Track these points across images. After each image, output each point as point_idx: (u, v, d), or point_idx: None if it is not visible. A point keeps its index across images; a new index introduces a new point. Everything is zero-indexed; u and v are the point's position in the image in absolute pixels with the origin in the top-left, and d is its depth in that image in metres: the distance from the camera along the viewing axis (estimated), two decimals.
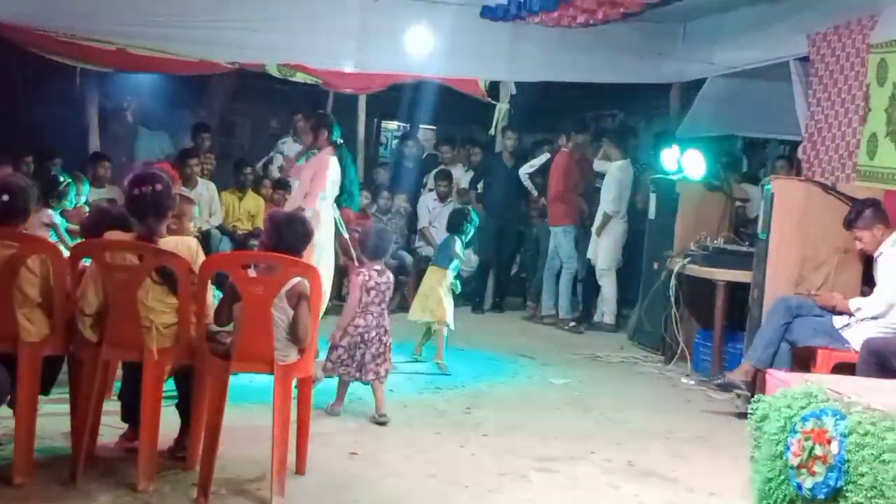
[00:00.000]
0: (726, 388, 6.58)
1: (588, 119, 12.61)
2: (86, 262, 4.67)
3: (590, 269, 9.84)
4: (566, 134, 10.21)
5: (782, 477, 3.44)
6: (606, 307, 9.76)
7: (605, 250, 9.66)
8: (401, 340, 7.89)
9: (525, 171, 10.33)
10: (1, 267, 4.43)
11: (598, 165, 9.85)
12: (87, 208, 7.98)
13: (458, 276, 7.83)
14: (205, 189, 9.53)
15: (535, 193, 10.34)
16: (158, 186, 4.61)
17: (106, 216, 5.04)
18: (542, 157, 10.30)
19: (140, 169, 5.20)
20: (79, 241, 5.84)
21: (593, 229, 9.72)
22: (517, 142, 10.78)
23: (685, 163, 8.45)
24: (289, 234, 4.69)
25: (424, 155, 12.11)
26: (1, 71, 10.02)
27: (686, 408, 6.80)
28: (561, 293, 9.87)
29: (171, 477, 4.58)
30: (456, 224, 7.91)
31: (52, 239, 6.45)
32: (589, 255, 9.80)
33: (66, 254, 4.70)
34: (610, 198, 9.53)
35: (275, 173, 10.76)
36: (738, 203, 8.79)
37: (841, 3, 7.33)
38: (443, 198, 10.71)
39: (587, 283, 10.01)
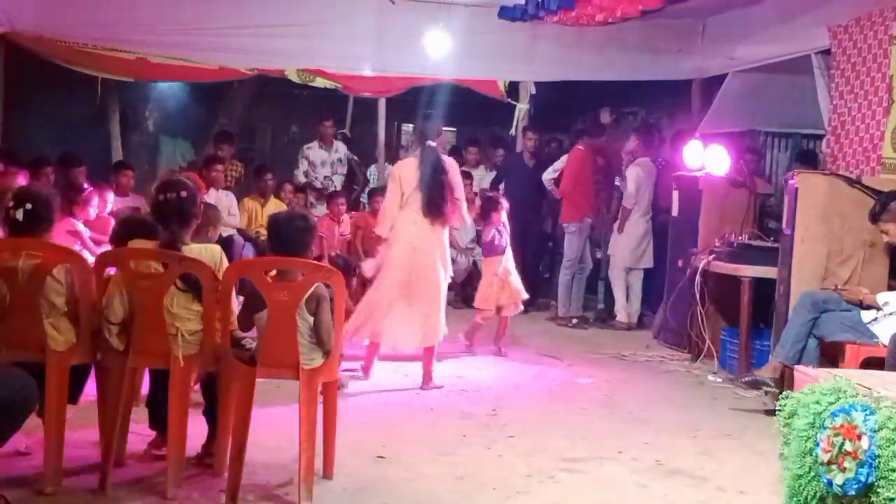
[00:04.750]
0: (755, 385, 6.53)
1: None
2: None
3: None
4: (580, 133, 10.22)
5: (812, 473, 3.41)
6: (619, 305, 9.75)
7: (622, 248, 9.67)
8: None
9: (548, 175, 10.32)
10: (27, 277, 4.47)
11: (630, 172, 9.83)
12: (111, 218, 8.04)
13: None
14: (223, 195, 9.58)
15: (558, 197, 10.31)
16: (183, 193, 4.63)
17: (135, 224, 5.07)
18: (564, 159, 10.30)
19: (167, 175, 5.24)
20: (103, 249, 5.88)
21: (615, 225, 9.74)
22: (538, 142, 10.77)
23: (708, 159, 8.41)
24: (292, 233, 4.69)
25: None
26: (22, 82, 10.11)
27: (713, 405, 6.77)
28: (561, 291, 9.86)
29: (200, 483, 4.60)
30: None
31: (77, 248, 6.49)
32: (609, 251, 9.81)
33: (91, 262, 4.73)
34: (628, 193, 9.54)
35: (300, 178, 10.80)
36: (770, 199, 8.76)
37: None
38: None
39: (607, 281, 10.04)
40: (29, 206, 4.58)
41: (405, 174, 6.94)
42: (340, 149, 11.12)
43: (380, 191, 10.47)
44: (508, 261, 8.18)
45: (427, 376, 6.88)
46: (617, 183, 10.07)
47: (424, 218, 6.86)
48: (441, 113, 12.86)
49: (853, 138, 7.33)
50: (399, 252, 6.92)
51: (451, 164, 7.09)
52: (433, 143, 7.00)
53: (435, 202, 6.86)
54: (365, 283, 10.12)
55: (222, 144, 10.66)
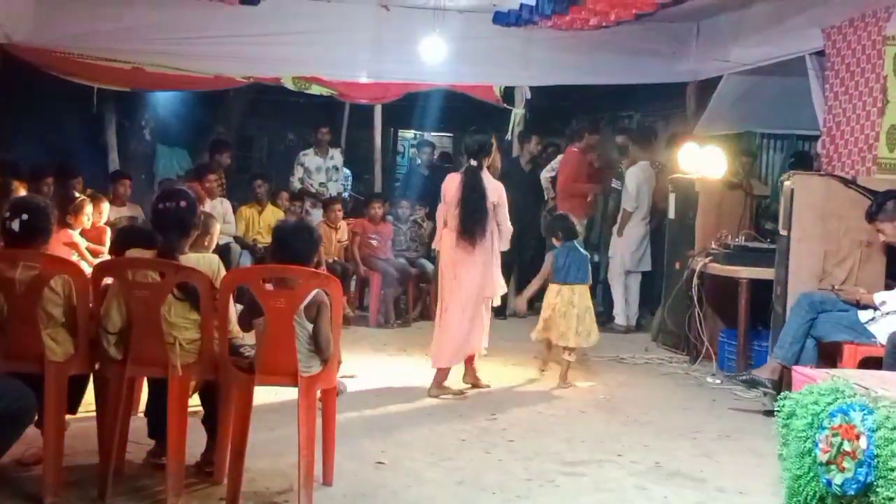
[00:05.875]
0: (753, 384, 6.54)
1: (605, 119, 12.65)
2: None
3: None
4: (576, 133, 10.22)
5: (811, 474, 3.42)
6: (617, 308, 9.75)
7: (621, 251, 9.68)
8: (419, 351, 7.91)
9: (546, 174, 10.33)
10: (24, 288, 4.46)
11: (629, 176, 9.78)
12: (107, 228, 8.03)
13: None
14: (218, 203, 9.58)
15: (553, 193, 10.33)
16: (183, 203, 4.64)
17: (133, 234, 5.07)
18: (559, 158, 10.32)
19: (168, 186, 5.25)
20: (100, 260, 5.87)
21: (615, 229, 9.75)
22: (538, 146, 10.78)
23: (704, 161, 8.42)
24: (297, 244, 4.69)
25: (436, 157, 12.13)
26: (19, 93, 10.12)
27: (712, 407, 6.77)
28: None
29: (200, 492, 4.60)
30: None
31: (74, 258, 6.48)
32: (610, 254, 9.82)
33: (88, 272, 4.73)
34: (628, 195, 9.56)
35: (295, 184, 10.81)
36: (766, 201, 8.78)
37: None
38: None
39: (606, 284, 10.04)
40: (25, 216, 4.58)
41: (449, 190, 6.94)
42: (336, 156, 11.13)
43: (377, 198, 10.49)
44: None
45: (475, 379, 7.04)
46: (614, 185, 10.06)
47: (459, 239, 6.83)
48: (437, 119, 12.92)
49: (848, 139, 7.34)
50: (443, 269, 7.02)
51: (494, 187, 6.92)
52: (474, 163, 6.91)
53: (469, 225, 6.80)
54: (363, 290, 10.19)
55: (219, 153, 10.67)
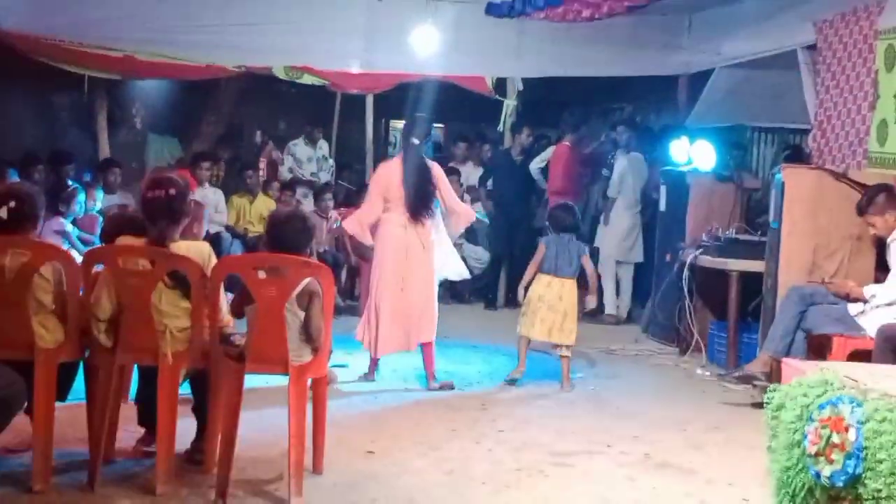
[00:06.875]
0: (746, 380, 6.56)
1: (594, 112, 12.65)
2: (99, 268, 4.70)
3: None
4: (570, 127, 10.22)
5: (800, 466, 3.42)
6: (607, 299, 9.76)
7: (608, 241, 9.69)
8: None
9: (536, 165, 10.35)
10: (14, 275, 4.45)
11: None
12: (100, 216, 8.01)
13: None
14: (211, 193, 9.57)
15: (546, 185, 10.34)
16: (172, 191, 4.63)
17: (123, 222, 5.06)
18: (550, 150, 10.33)
19: (157, 173, 5.22)
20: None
21: (602, 217, 9.79)
22: (530, 137, 10.78)
23: (695, 154, 8.43)
24: (290, 233, 4.69)
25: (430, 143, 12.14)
26: (9, 80, 10.06)
27: (702, 399, 6.79)
28: None
29: (189, 480, 4.59)
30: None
31: (65, 247, 6.46)
32: (596, 243, 9.84)
33: (79, 261, 4.72)
34: (612, 181, 9.67)
35: (285, 174, 10.79)
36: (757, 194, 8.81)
37: None
38: None
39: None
40: (13, 203, 4.56)
41: (389, 175, 6.83)
42: (323, 146, 11.12)
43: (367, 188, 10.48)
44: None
45: (431, 376, 6.75)
46: (605, 174, 10.06)
47: (409, 218, 6.75)
48: (429, 110, 12.89)
49: (839, 133, 7.34)
50: (389, 255, 6.77)
51: (433, 165, 6.99)
52: (416, 142, 6.89)
53: (420, 201, 6.75)
54: (354, 280, 10.17)
55: (223, 147, 10.69)
